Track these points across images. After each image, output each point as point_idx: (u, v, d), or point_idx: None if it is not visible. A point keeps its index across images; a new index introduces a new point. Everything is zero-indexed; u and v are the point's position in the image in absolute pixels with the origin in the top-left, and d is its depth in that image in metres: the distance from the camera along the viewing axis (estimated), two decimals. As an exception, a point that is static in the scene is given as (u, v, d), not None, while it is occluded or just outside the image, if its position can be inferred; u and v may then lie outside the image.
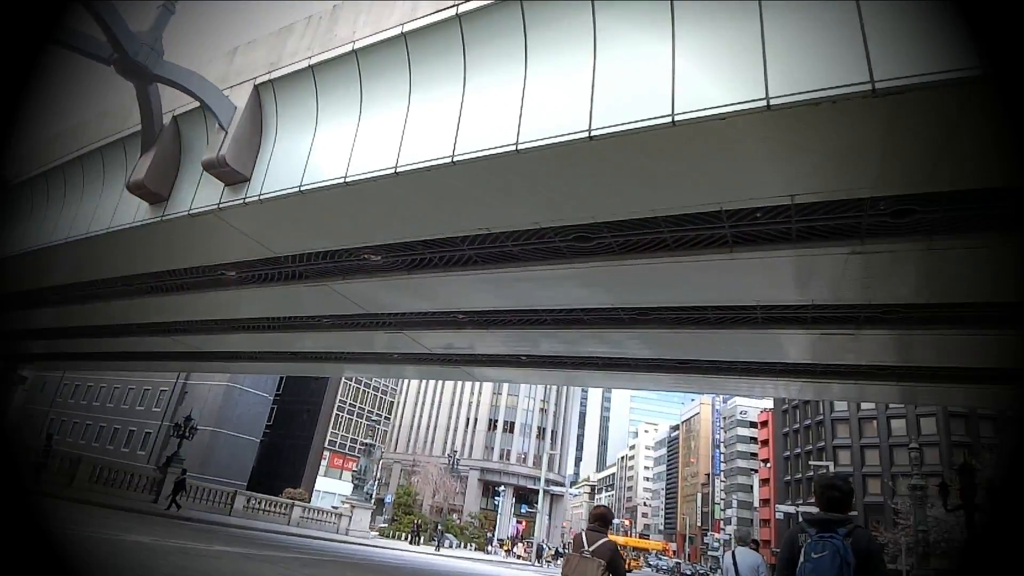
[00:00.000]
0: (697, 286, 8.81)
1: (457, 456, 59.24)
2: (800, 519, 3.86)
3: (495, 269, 9.42)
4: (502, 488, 59.25)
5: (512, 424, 74.32)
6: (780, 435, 76.61)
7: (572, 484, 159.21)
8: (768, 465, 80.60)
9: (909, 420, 56.43)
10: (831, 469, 45.10)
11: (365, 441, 46.36)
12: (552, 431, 77.58)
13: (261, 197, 8.60)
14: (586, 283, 9.48)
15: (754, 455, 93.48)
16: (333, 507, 39.45)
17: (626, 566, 5.36)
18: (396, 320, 13.50)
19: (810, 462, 60.14)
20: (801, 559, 3.29)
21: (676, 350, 12.31)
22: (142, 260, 12.50)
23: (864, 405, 61.33)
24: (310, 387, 61.71)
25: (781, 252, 7.32)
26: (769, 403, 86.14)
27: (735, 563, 7.58)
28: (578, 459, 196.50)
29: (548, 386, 78.09)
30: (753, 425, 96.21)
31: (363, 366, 19.48)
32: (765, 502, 75.90)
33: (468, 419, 75.79)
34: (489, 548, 48.80)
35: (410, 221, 8.43)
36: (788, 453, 73.23)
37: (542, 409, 76.83)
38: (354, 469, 40.81)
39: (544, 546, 49.80)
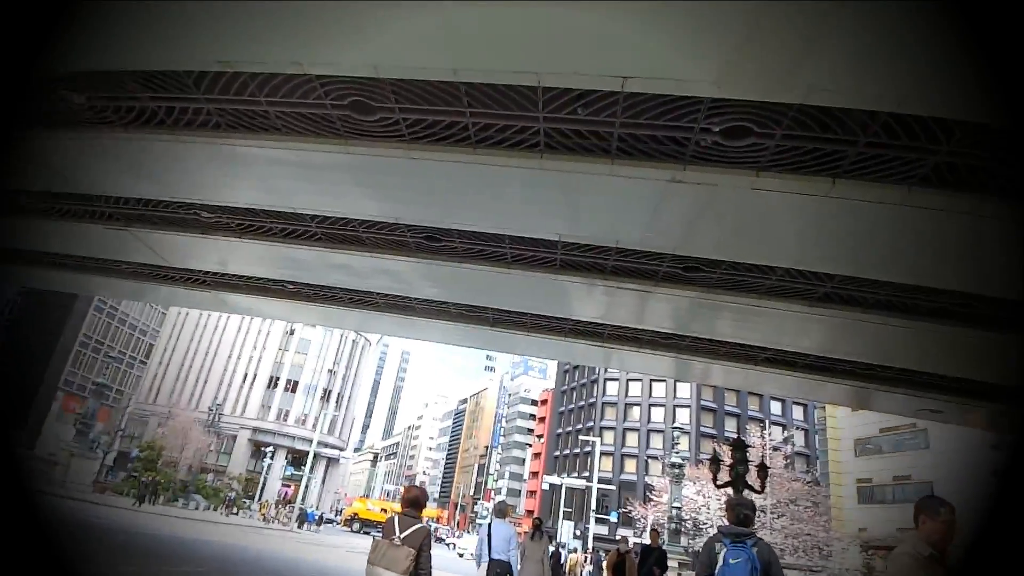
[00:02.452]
0: (497, 203, 7.36)
1: (220, 411, 53.44)
2: (716, 530, 4.47)
3: (245, 141, 6.98)
4: (271, 449, 54.77)
5: (296, 383, 70.03)
6: (557, 413, 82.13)
7: (356, 451, 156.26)
8: (542, 440, 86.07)
9: (667, 408, 63.76)
10: (597, 447, 48.68)
11: (97, 380, 38.88)
12: (339, 394, 74.69)
13: None
14: (367, 184, 7.54)
15: (531, 431, 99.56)
16: (50, 454, 33.09)
17: None
18: (116, 211, 10.23)
19: (580, 438, 65.01)
20: (720, 563, 3.99)
21: (466, 292, 10.92)
22: None
23: (631, 391, 67.99)
24: (50, 316, 50.84)
25: (596, 165, 6.11)
26: (551, 383, 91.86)
27: (489, 535, 8.61)
28: (366, 426, 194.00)
29: (340, 348, 74.52)
30: (534, 403, 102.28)
31: (83, 277, 15.20)
32: (535, 474, 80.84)
33: (247, 374, 69.72)
34: (234, 510, 44.42)
35: (113, 36, 5.68)
36: (561, 431, 78.84)
37: (331, 371, 73.48)
38: (79, 411, 33.99)
39: (311, 512, 46.99)
